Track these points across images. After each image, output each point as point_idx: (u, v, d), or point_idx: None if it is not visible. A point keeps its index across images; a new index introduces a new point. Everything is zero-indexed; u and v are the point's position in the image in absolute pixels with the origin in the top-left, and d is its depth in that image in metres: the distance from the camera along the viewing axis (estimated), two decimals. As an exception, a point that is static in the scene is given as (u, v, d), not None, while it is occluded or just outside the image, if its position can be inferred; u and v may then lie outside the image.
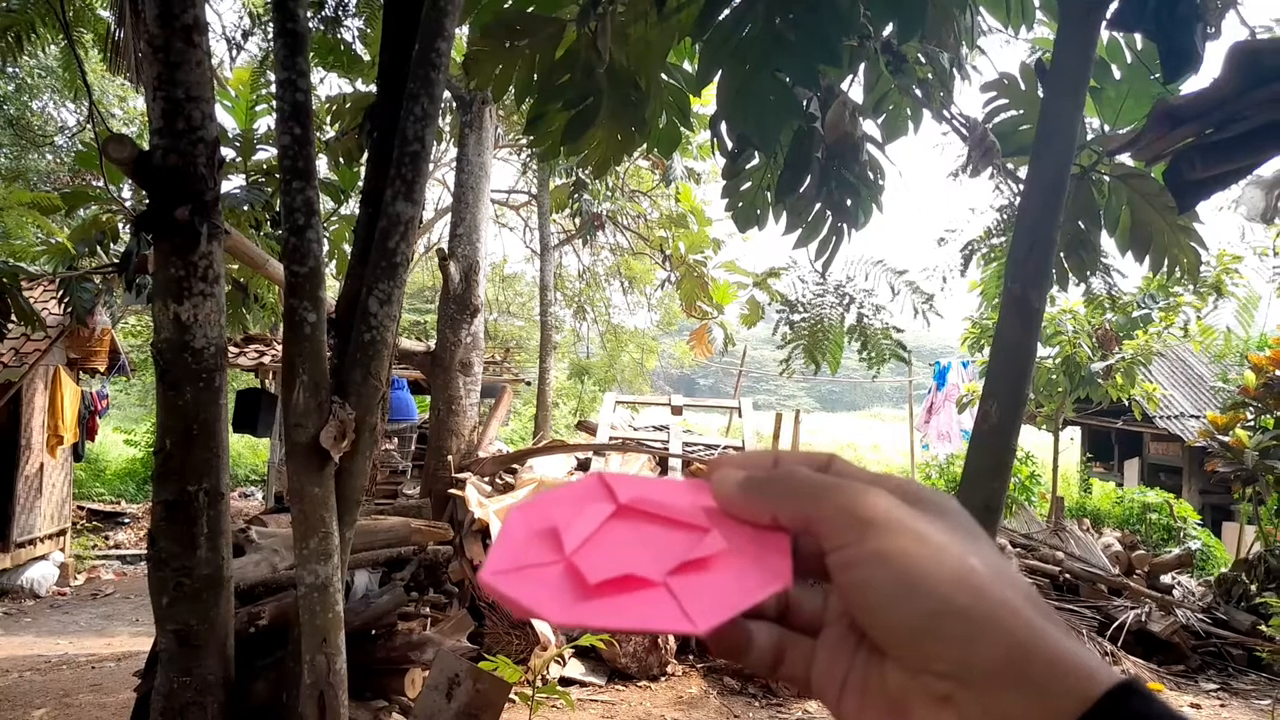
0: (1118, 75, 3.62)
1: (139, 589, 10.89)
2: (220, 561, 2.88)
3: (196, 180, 2.75)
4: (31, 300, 7.47)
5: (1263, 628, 7.23)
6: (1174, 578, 9.16)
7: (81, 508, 14.47)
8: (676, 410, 10.22)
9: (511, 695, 4.45)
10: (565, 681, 6.54)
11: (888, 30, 3.40)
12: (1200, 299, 10.32)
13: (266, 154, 6.96)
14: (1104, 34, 3.22)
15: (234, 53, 13.62)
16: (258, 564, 4.02)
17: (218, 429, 2.88)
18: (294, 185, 2.87)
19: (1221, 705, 6.72)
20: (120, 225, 6.96)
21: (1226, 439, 8.92)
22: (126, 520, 14.88)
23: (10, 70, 13.85)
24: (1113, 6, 2.56)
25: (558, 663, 6.60)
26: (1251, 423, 9.01)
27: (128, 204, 6.89)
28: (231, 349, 11.89)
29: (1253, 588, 8.41)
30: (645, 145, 4.12)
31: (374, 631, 4.13)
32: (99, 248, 6.93)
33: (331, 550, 2.87)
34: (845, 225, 3.65)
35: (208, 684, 2.85)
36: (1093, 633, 7.68)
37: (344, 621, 2.95)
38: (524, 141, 13.05)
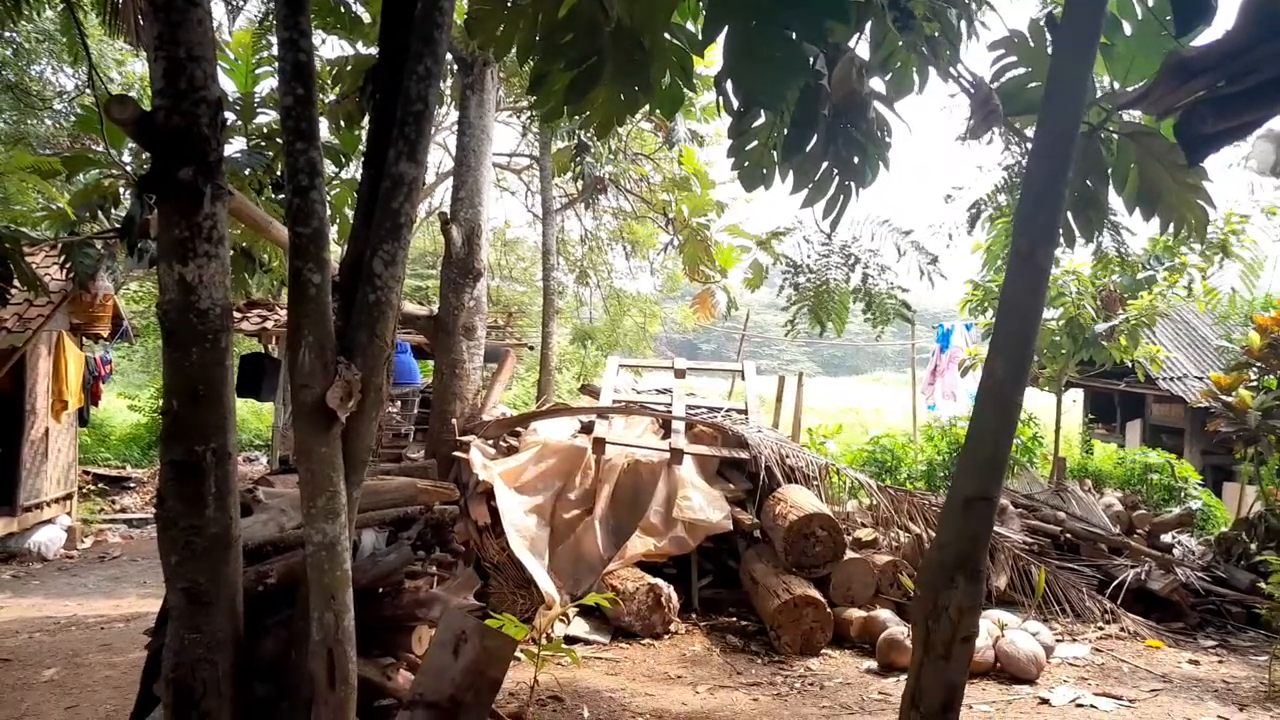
0: (1128, 31, 3.58)
1: (146, 552, 10.98)
2: (228, 521, 2.89)
3: (199, 140, 2.73)
4: (34, 265, 7.46)
5: (1262, 585, 7.28)
6: (1174, 537, 9.22)
7: (87, 472, 14.55)
8: (680, 374, 10.23)
9: (517, 653, 4.50)
10: (570, 640, 6.62)
11: (895, -15, 3.36)
12: (1206, 260, 10.29)
13: (267, 117, 6.92)
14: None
15: (233, 16, 13.47)
16: (265, 523, 4.04)
17: (224, 390, 2.88)
18: (297, 146, 2.85)
19: (1220, 662, 6.79)
20: (121, 190, 6.93)
21: (1230, 399, 8.92)
22: (132, 484, 14.97)
23: (8, 35, 13.72)
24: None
25: (562, 621, 6.68)
26: (1254, 383, 9.02)
27: (128, 168, 6.85)
28: (234, 314, 11.89)
29: (1253, 546, 8.46)
30: (648, 106, 4.09)
31: (381, 589, 4.16)
32: (100, 212, 6.91)
33: (339, 509, 2.89)
34: (853, 184, 3.63)
35: (217, 641, 2.88)
36: (1093, 591, 7.75)
37: (352, 579, 2.98)
38: (525, 103, 12.95)
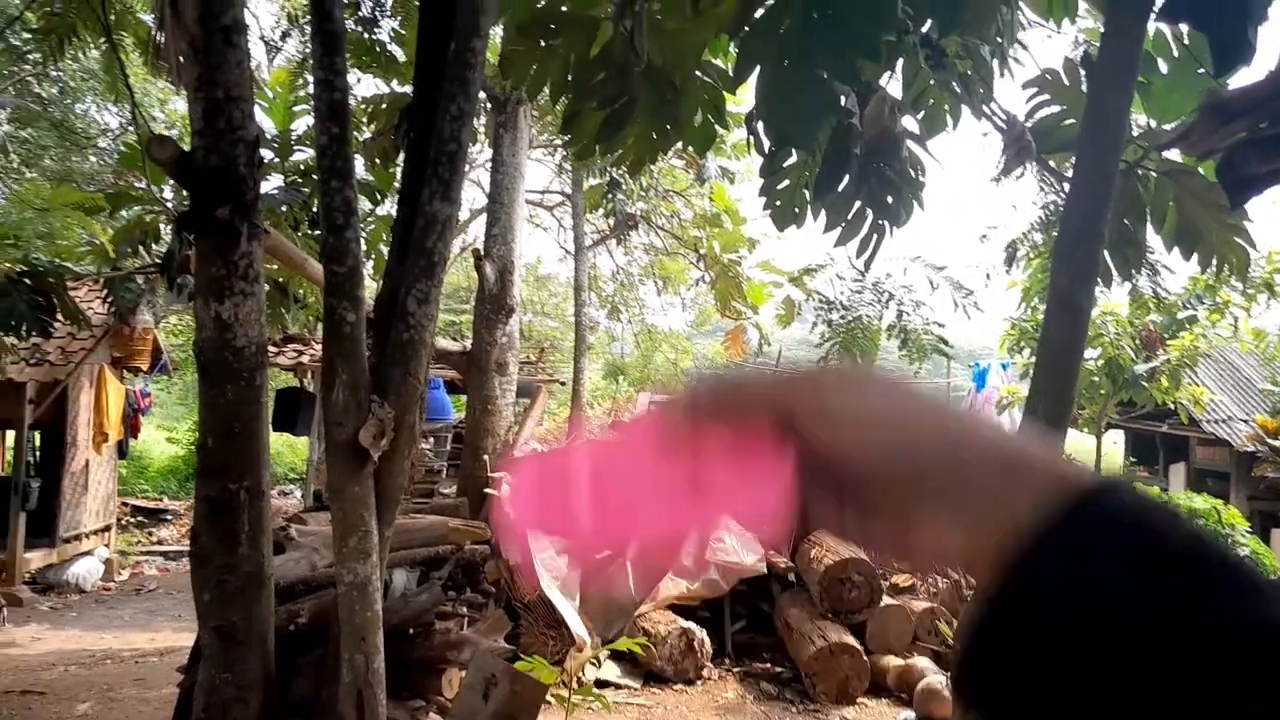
0: (1164, 69, 3.54)
1: (182, 585, 11.03)
2: (261, 559, 2.90)
3: (237, 180, 2.77)
4: (77, 299, 7.59)
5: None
6: (1221, 583, 8.96)
7: (126, 504, 14.72)
8: (712, 411, 10.15)
9: (547, 697, 4.45)
10: (601, 684, 6.53)
11: (927, 25, 3.34)
12: (1249, 299, 10.09)
13: (304, 154, 7.04)
14: (1149, 26, 3.14)
15: (272, 55, 13.77)
16: (297, 562, 4.04)
17: (258, 427, 2.90)
18: (332, 185, 2.88)
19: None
20: (162, 226, 7.06)
21: (1276, 444, 8.70)
22: (169, 517, 15.11)
23: (55, 74, 14.11)
24: (1162, -3, 2.50)
25: (593, 664, 6.59)
26: (1301, 425, 8.81)
27: (169, 204, 6.99)
28: (270, 348, 12.03)
29: (1304, 595, 8.20)
30: (680, 144, 4.10)
31: (412, 631, 4.15)
32: (141, 248, 7.04)
33: (370, 549, 2.88)
34: (886, 223, 3.60)
35: (249, 680, 2.87)
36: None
37: (382, 620, 2.96)
38: (559, 141, 13.06)
